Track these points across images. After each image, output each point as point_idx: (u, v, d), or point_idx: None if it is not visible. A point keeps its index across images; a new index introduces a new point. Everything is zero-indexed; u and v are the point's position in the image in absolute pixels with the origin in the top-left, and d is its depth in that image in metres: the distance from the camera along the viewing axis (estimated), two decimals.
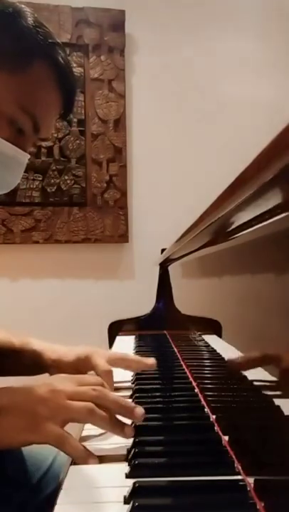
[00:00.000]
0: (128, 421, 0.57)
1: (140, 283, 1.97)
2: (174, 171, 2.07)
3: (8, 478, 0.80)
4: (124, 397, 0.74)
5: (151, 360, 0.83)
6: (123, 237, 2.04)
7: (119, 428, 0.55)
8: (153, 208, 2.07)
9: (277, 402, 0.65)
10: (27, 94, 0.67)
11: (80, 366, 0.81)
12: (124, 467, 0.49)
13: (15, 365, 0.87)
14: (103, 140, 2.04)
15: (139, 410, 0.56)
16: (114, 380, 0.82)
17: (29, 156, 0.73)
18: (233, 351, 1.03)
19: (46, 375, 0.82)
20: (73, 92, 0.75)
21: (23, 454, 0.83)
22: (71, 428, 0.55)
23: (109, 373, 0.77)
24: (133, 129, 2.09)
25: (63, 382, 0.58)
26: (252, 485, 0.43)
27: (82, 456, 0.51)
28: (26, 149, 0.72)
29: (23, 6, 0.68)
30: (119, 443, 0.56)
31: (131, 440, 0.55)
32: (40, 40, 0.67)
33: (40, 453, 0.85)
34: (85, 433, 0.60)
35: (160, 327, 1.46)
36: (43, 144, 1.86)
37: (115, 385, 0.81)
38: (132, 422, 0.58)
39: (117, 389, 0.79)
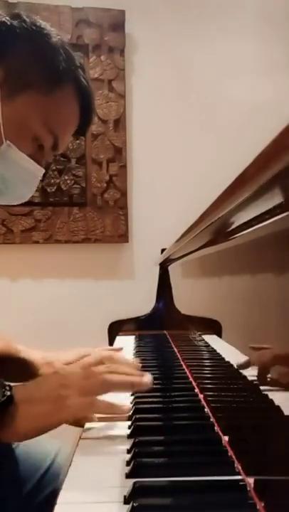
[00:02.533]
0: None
1: (140, 283, 1.97)
2: (174, 171, 2.07)
3: (7, 479, 0.80)
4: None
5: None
6: (123, 237, 2.04)
7: (137, 381, 0.62)
8: (153, 208, 2.07)
9: (277, 402, 0.66)
10: (53, 115, 0.71)
11: None
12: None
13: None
14: (103, 140, 2.04)
15: (147, 378, 0.63)
16: None
17: (44, 171, 0.76)
18: (233, 351, 1.03)
19: None
20: (92, 114, 0.78)
21: (22, 455, 0.83)
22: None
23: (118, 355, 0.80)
24: (133, 129, 2.08)
25: (72, 369, 0.65)
26: (252, 485, 0.43)
27: (124, 409, 0.62)
28: (42, 164, 0.75)
29: (45, 23, 0.70)
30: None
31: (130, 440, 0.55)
32: (71, 65, 0.71)
33: (40, 453, 0.85)
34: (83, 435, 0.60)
35: (160, 327, 1.46)
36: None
37: None
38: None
39: None
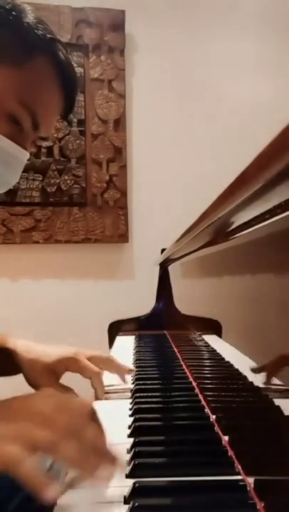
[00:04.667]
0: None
1: (140, 283, 1.97)
2: (174, 171, 2.07)
3: (7, 479, 0.80)
4: (124, 395, 0.75)
5: (129, 368, 0.87)
6: (123, 237, 2.04)
7: (40, 490, 0.41)
8: (153, 208, 2.07)
9: (277, 402, 0.66)
10: (27, 89, 0.66)
11: (60, 368, 0.78)
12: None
13: None
14: (103, 140, 2.04)
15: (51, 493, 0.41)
16: (113, 381, 0.82)
17: (28, 155, 0.72)
18: (233, 351, 1.03)
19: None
20: (74, 89, 0.73)
21: None
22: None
23: (99, 375, 0.77)
24: (133, 129, 2.09)
25: (44, 403, 0.48)
26: (252, 485, 0.43)
27: (36, 485, 0.41)
28: (26, 147, 0.70)
29: (22, 3, 0.68)
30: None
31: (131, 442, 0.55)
32: (41, 35, 0.67)
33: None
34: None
35: (160, 327, 1.46)
36: (43, 143, 1.86)
37: (113, 387, 0.81)
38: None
39: (115, 392, 0.79)
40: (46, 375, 0.78)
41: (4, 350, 0.82)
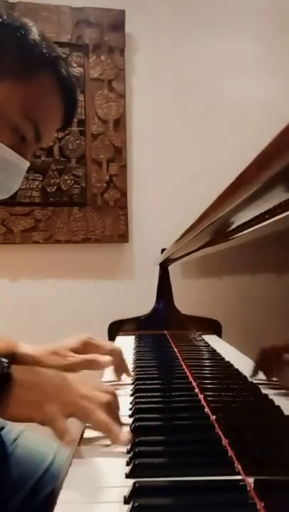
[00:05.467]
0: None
1: (140, 283, 1.97)
2: (174, 170, 2.07)
3: (7, 480, 0.80)
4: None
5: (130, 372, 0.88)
6: (123, 237, 2.04)
7: (114, 435, 0.56)
8: (153, 208, 2.07)
9: (277, 402, 0.66)
10: (31, 103, 0.71)
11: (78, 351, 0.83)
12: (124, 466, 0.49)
13: None
14: (103, 140, 2.04)
15: (124, 436, 0.56)
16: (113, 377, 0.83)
17: (29, 164, 0.76)
18: (233, 351, 1.03)
19: None
20: (74, 104, 0.78)
21: (21, 456, 0.83)
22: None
23: (120, 352, 0.83)
24: (133, 129, 2.08)
25: (80, 382, 0.62)
26: (252, 485, 0.43)
27: (111, 431, 0.56)
28: (27, 157, 0.75)
29: (28, 20, 0.73)
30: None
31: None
32: (46, 53, 0.71)
33: (39, 453, 0.85)
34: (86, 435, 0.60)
35: (160, 327, 1.46)
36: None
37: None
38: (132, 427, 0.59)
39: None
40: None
41: (12, 356, 0.83)
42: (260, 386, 0.75)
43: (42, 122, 0.73)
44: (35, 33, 0.71)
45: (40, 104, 0.72)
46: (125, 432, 0.56)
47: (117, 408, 0.64)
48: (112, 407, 0.61)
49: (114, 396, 0.63)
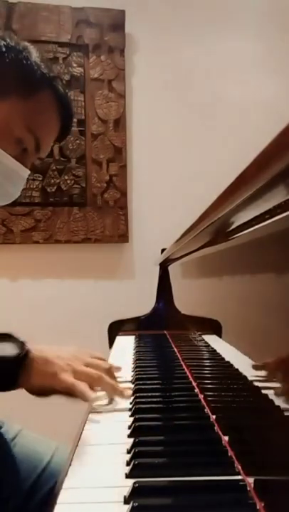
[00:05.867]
0: None
1: (140, 283, 1.97)
2: (174, 171, 2.07)
3: (5, 479, 0.80)
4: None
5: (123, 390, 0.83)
6: (123, 237, 2.04)
7: (120, 393, 0.73)
8: (153, 208, 2.07)
9: (277, 402, 0.66)
10: (32, 118, 0.79)
11: None
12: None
13: None
14: (103, 140, 2.04)
15: (127, 392, 0.74)
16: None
17: (30, 172, 0.84)
18: (233, 351, 1.03)
19: None
20: (70, 119, 0.88)
21: (19, 455, 0.83)
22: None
23: (111, 369, 0.83)
24: (133, 129, 2.08)
25: (82, 354, 0.76)
26: (252, 485, 0.43)
27: (90, 397, 0.68)
28: (27, 166, 0.83)
29: (28, 43, 0.81)
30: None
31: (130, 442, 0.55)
32: (46, 73, 0.80)
33: (37, 452, 0.85)
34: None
35: (160, 327, 1.46)
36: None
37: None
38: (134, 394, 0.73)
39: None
40: None
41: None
42: (259, 386, 0.75)
43: (42, 135, 0.81)
44: (35, 55, 0.79)
45: (40, 118, 0.80)
46: (127, 389, 0.74)
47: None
48: (112, 372, 0.77)
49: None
